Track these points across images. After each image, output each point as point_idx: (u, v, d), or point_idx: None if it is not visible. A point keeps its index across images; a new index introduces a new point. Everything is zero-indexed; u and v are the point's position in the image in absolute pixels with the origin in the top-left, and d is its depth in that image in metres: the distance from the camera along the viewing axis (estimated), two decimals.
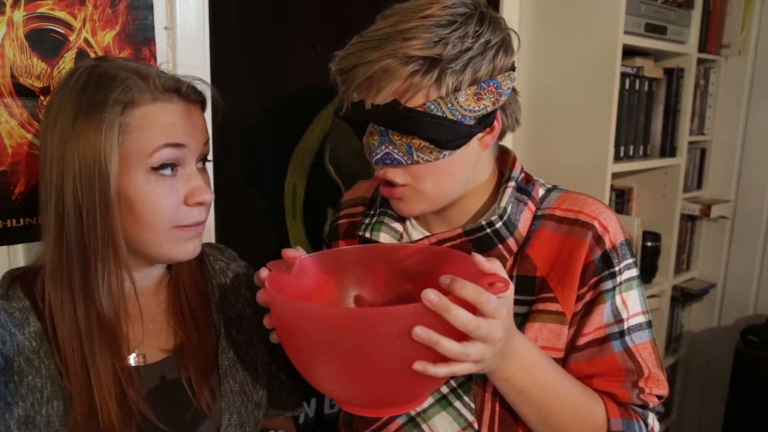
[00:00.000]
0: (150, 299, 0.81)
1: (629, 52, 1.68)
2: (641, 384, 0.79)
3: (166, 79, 0.72)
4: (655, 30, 1.66)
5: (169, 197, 0.71)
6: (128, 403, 0.71)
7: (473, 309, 0.59)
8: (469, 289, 0.59)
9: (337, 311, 0.67)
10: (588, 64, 1.58)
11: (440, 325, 0.57)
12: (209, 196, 0.75)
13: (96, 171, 0.67)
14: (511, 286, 0.66)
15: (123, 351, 0.74)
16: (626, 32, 1.55)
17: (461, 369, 0.60)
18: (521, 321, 0.78)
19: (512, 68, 0.78)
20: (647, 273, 1.94)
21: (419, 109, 0.71)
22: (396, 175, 0.77)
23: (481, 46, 0.72)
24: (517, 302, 0.79)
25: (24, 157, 0.90)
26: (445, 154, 0.74)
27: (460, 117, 0.73)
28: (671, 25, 1.72)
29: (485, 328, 0.59)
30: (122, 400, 0.71)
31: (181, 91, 0.73)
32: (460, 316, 0.57)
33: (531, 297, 0.79)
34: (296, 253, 0.74)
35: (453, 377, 0.79)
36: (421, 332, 0.55)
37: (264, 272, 0.69)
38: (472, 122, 0.74)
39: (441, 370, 0.58)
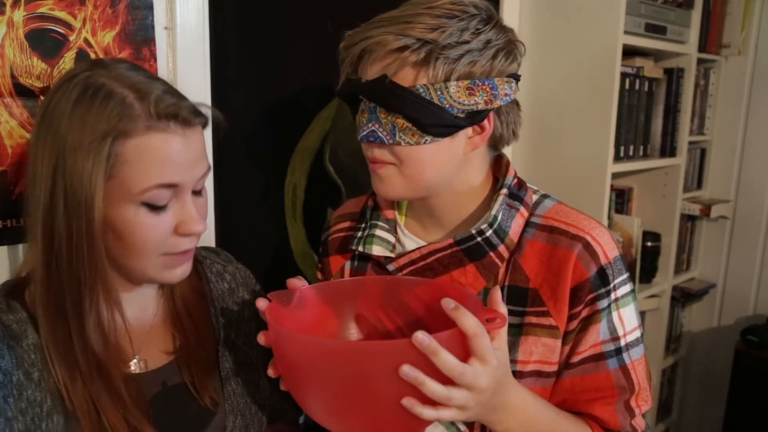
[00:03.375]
0: (148, 305, 0.80)
1: (629, 52, 1.68)
2: (632, 404, 0.79)
3: (166, 104, 0.66)
4: (655, 30, 1.66)
5: (159, 228, 0.68)
6: (134, 414, 0.70)
7: (465, 347, 0.60)
8: (469, 320, 0.59)
9: (330, 343, 0.68)
10: (588, 64, 1.58)
11: (428, 365, 0.57)
12: (200, 228, 0.72)
13: (83, 200, 0.64)
14: (504, 335, 0.66)
15: (121, 368, 0.73)
16: (626, 32, 1.55)
17: (447, 415, 0.60)
18: (515, 333, 0.78)
19: (514, 77, 0.79)
20: (647, 273, 1.94)
21: (406, 87, 0.73)
22: (382, 155, 0.78)
23: (481, 43, 0.74)
24: (509, 313, 0.78)
25: (24, 157, 0.90)
26: (426, 140, 0.75)
27: (447, 106, 0.74)
28: (671, 25, 1.72)
29: (470, 376, 0.59)
30: (128, 413, 0.70)
31: (179, 117, 0.67)
32: (447, 361, 0.57)
33: (523, 308, 0.79)
34: (300, 284, 0.74)
35: None
36: (408, 371, 0.56)
37: (263, 303, 0.70)
38: (460, 114, 0.74)
39: (427, 412, 0.58)
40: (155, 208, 0.67)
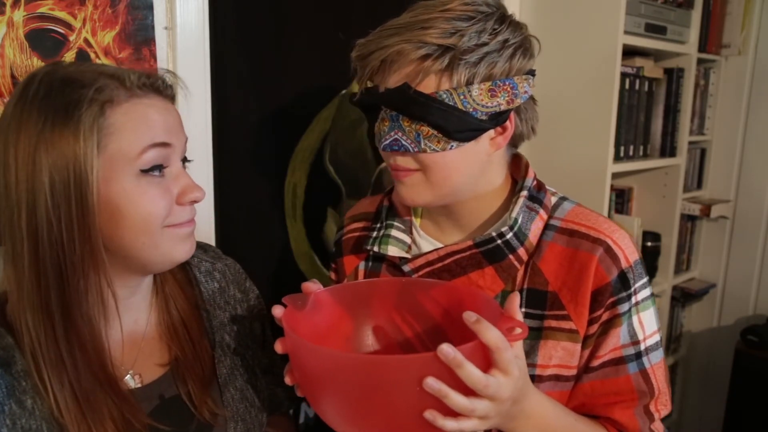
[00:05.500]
0: (140, 316, 0.77)
1: (629, 52, 1.68)
2: (652, 408, 0.79)
3: (138, 75, 0.68)
4: (655, 30, 1.66)
5: (162, 198, 0.67)
6: (134, 430, 0.68)
7: (487, 358, 0.60)
8: (492, 333, 0.58)
9: (351, 357, 0.68)
10: (588, 64, 1.58)
11: (451, 377, 0.57)
12: (201, 194, 0.72)
13: (72, 179, 0.61)
14: (521, 342, 0.66)
15: (115, 376, 0.70)
16: (626, 32, 1.55)
17: (469, 425, 0.59)
18: (534, 337, 0.78)
19: (531, 73, 0.78)
20: (647, 273, 1.93)
21: (430, 94, 0.72)
22: (406, 162, 0.77)
23: (499, 43, 0.73)
24: (528, 316, 0.78)
25: None
26: (452, 145, 0.74)
27: (471, 110, 0.73)
28: (671, 25, 1.72)
29: (494, 387, 0.59)
30: (126, 428, 0.68)
31: (156, 87, 0.69)
32: (472, 374, 0.57)
33: (542, 311, 0.78)
34: (315, 287, 0.73)
35: None
36: (432, 383, 0.55)
37: (279, 311, 0.69)
38: (483, 117, 0.74)
39: (450, 423, 0.58)
40: (154, 173, 0.67)
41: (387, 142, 0.76)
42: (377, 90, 0.76)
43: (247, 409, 0.81)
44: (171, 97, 0.72)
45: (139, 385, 0.74)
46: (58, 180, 0.62)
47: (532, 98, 0.81)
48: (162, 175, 0.68)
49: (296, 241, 1.36)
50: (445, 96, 0.72)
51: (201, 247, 0.89)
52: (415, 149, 0.74)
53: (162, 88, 0.70)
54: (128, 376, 0.74)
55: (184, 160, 0.73)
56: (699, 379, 2.29)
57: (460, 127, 0.73)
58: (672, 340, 2.18)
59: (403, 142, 0.75)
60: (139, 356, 0.75)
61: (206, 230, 1.15)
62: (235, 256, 0.95)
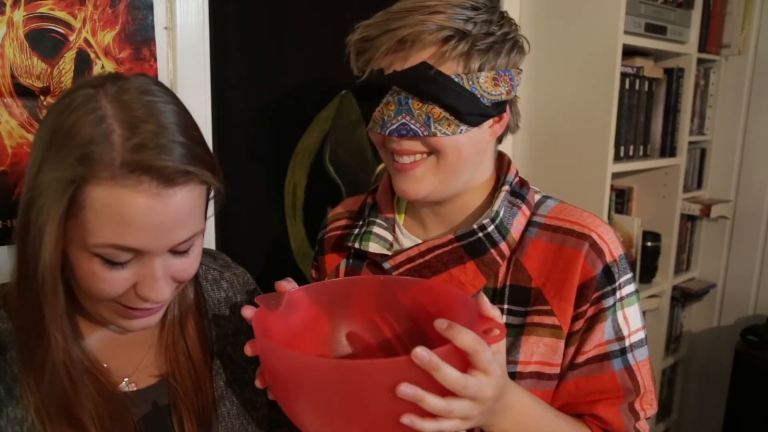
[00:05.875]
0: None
1: (629, 52, 1.68)
2: (637, 406, 0.78)
3: (143, 155, 0.57)
4: (655, 30, 1.67)
5: (112, 284, 0.61)
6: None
7: (465, 358, 0.58)
8: (466, 337, 0.57)
9: (321, 362, 0.64)
10: (588, 64, 1.58)
11: (427, 379, 0.55)
12: (159, 296, 0.62)
13: (37, 227, 0.58)
14: (503, 341, 0.65)
15: (102, 379, 0.68)
16: (626, 32, 1.55)
17: (449, 425, 0.58)
18: (516, 333, 0.77)
19: (521, 70, 0.81)
20: (647, 273, 1.94)
21: (448, 75, 0.73)
22: (413, 146, 0.76)
23: (502, 35, 0.75)
24: (511, 313, 0.78)
25: (24, 157, 0.90)
26: (462, 129, 0.74)
27: (479, 95, 0.75)
28: (671, 25, 1.72)
29: (474, 388, 0.57)
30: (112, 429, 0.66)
31: (153, 172, 0.57)
32: (449, 376, 0.55)
33: (525, 308, 0.78)
34: (289, 286, 0.72)
35: None
36: (405, 389, 0.54)
37: (249, 311, 0.67)
38: (489, 104, 0.76)
39: (428, 425, 0.56)
40: (110, 263, 0.60)
41: (394, 126, 0.75)
42: (386, 72, 0.75)
43: (244, 426, 0.77)
44: (184, 183, 0.60)
45: (134, 389, 0.72)
46: (35, 215, 0.59)
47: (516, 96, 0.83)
48: (123, 265, 0.61)
49: (296, 241, 1.36)
50: (458, 80, 0.73)
51: (210, 254, 0.88)
52: (425, 133, 0.74)
53: (170, 177, 0.58)
54: (123, 382, 0.72)
55: (177, 251, 0.64)
56: (699, 379, 2.29)
57: (471, 110, 0.74)
58: (672, 340, 2.18)
59: (412, 126, 0.74)
60: (138, 365, 0.74)
61: (206, 231, 1.15)
62: (235, 256, 0.94)
